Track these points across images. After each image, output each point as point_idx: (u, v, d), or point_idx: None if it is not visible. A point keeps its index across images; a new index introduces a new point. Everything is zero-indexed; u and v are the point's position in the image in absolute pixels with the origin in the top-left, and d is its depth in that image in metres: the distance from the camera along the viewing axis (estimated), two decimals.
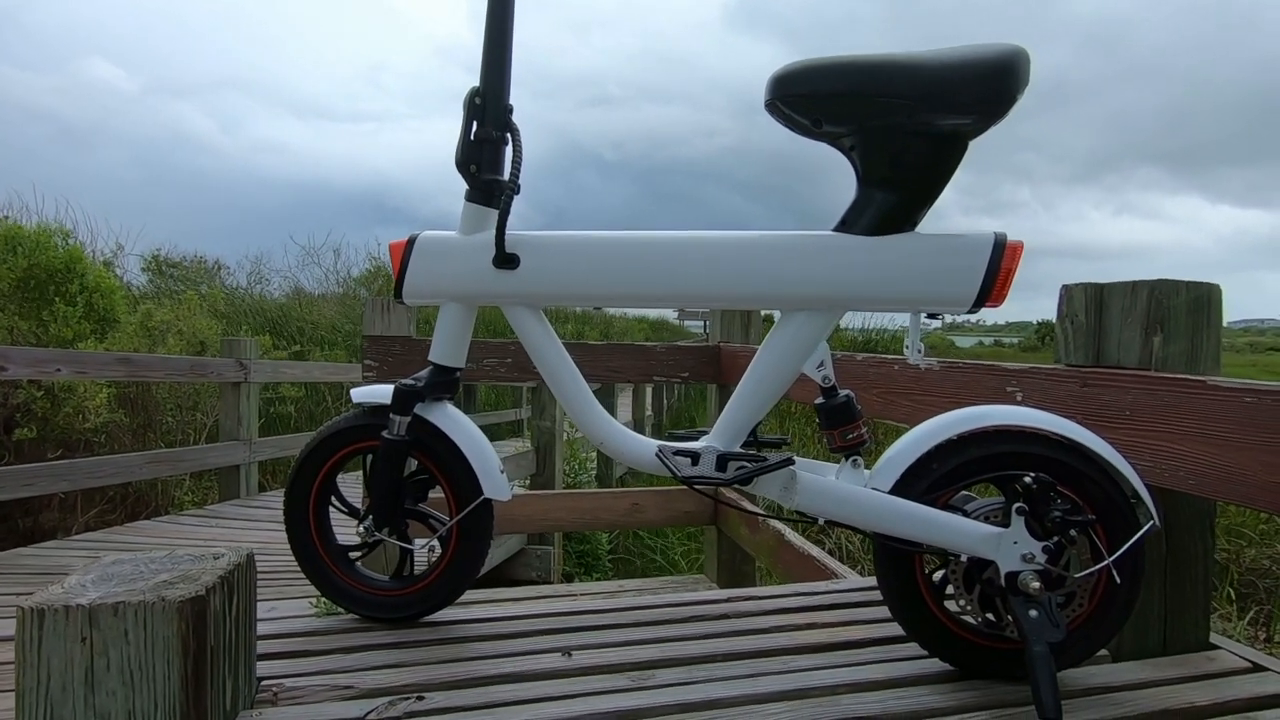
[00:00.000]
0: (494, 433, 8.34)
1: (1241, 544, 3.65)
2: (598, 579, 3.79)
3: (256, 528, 3.46)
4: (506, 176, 0.91)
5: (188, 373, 3.85)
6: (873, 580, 1.20)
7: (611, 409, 6.53)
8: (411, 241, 0.94)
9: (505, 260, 0.90)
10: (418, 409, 0.94)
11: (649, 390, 9.08)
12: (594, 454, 5.29)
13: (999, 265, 0.81)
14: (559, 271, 0.90)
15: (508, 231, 0.90)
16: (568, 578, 3.63)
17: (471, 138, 0.90)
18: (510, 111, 0.92)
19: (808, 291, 0.85)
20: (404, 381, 0.93)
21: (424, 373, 0.95)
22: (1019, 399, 1.11)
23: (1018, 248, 0.81)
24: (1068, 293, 1.04)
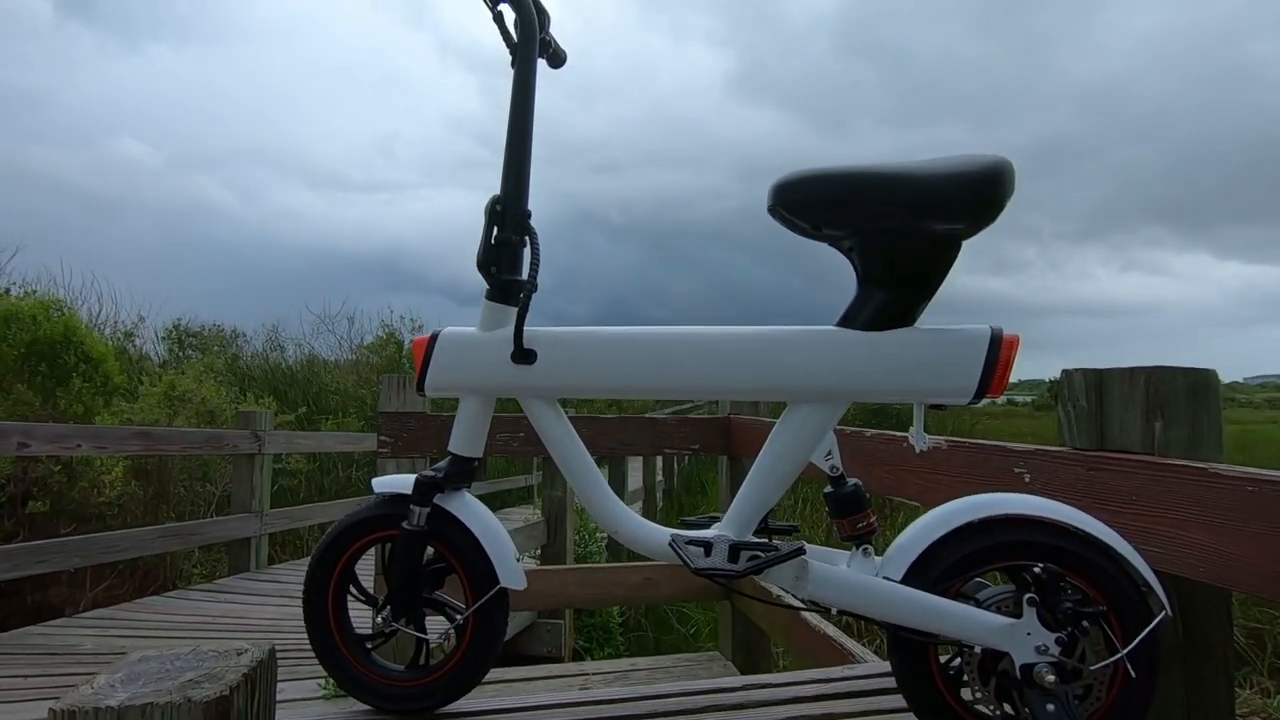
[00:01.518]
0: (504, 499, 8.29)
1: (1276, 614, 3.53)
2: (610, 654, 3.70)
3: (266, 603, 3.43)
4: (525, 276, 0.97)
5: (204, 445, 3.90)
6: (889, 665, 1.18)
7: (623, 475, 6.49)
8: (434, 337, 0.98)
9: (523, 356, 0.94)
10: (437, 499, 0.96)
11: (659, 457, 9.03)
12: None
13: (997, 358, 0.84)
14: (573, 366, 0.94)
15: (525, 328, 0.94)
16: (579, 653, 3.54)
17: (492, 241, 0.96)
18: (528, 216, 0.98)
19: (813, 384, 0.89)
20: (425, 473, 0.96)
21: (443, 463, 0.98)
22: (1026, 480, 1.12)
23: (1014, 341, 0.85)
24: (1067, 377, 1.07)
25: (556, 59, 1.09)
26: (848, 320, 0.89)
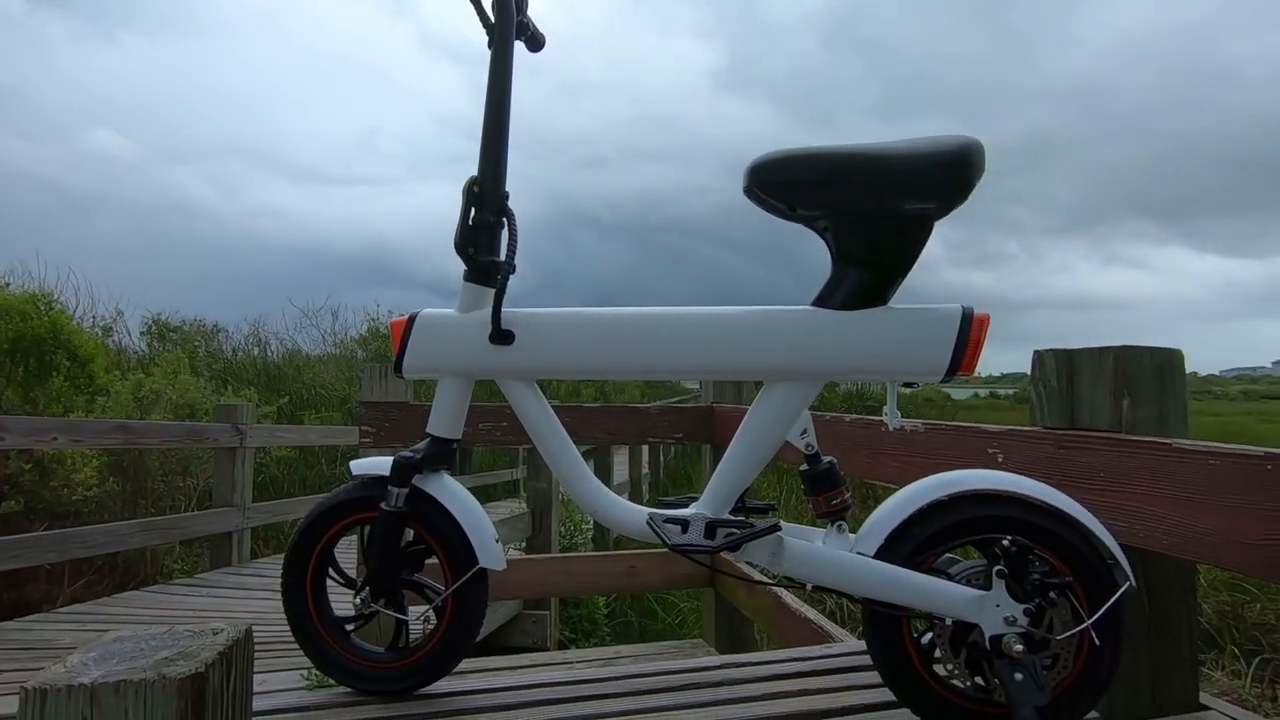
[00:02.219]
0: (490, 493, 8.27)
1: (1244, 599, 3.61)
2: (595, 644, 3.71)
3: (249, 597, 3.40)
4: (503, 258, 0.97)
5: (184, 439, 3.85)
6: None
7: (608, 468, 6.50)
8: (412, 319, 0.98)
9: (501, 337, 0.94)
10: (415, 480, 0.97)
11: (645, 449, 9.05)
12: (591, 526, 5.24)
13: (968, 336, 0.85)
14: (551, 346, 0.95)
15: (503, 309, 0.95)
16: (564, 643, 3.55)
17: (470, 223, 0.96)
18: (506, 198, 0.98)
19: (789, 363, 0.90)
20: (403, 454, 0.96)
21: (422, 445, 0.98)
22: (1000, 460, 1.14)
23: (984, 320, 0.86)
24: (1039, 358, 1.09)
25: (535, 42, 1.09)
26: (823, 300, 0.90)
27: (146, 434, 3.60)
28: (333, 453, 6.71)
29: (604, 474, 6.36)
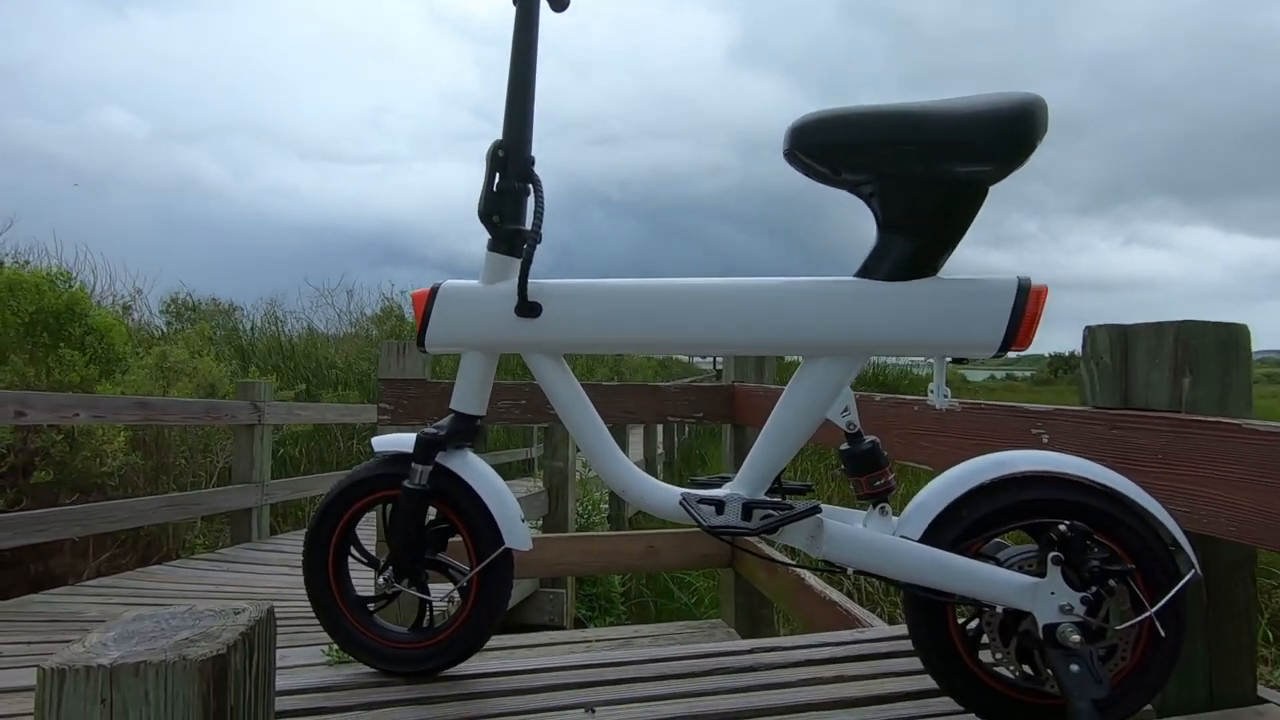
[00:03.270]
0: (505, 472, 8.30)
1: (1272, 584, 3.55)
2: (611, 623, 3.72)
3: (270, 572, 3.43)
4: (529, 226, 0.92)
5: (203, 416, 3.87)
6: (901, 628, 1.17)
7: (623, 446, 6.48)
8: (435, 290, 0.94)
9: (528, 309, 0.90)
10: (439, 457, 0.93)
11: (660, 428, 9.03)
12: (607, 494, 5.24)
13: (1024, 309, 0.80)
14: (580, 319, 0.91)
15: (530, 280, 0.90)
16: (581, 622, 3.56)
17: (494, 189, 0.92)
18: (532, 163, 0.93)
19: (830, 338, 0.85)
20: (426, 430, 0.92)
21: (445, 420, 0.95)
22: (1045, 441, 1.09)
23: (1042, 291, 0.81)
24: (1091, 334, 1.03)
25: (559, 0, 1.03)
26: (867, 270, 0.85)
27: (166, 411, 3.62)
28: (350, 430, 6.75)
29: None
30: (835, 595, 1.83)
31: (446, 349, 0.96)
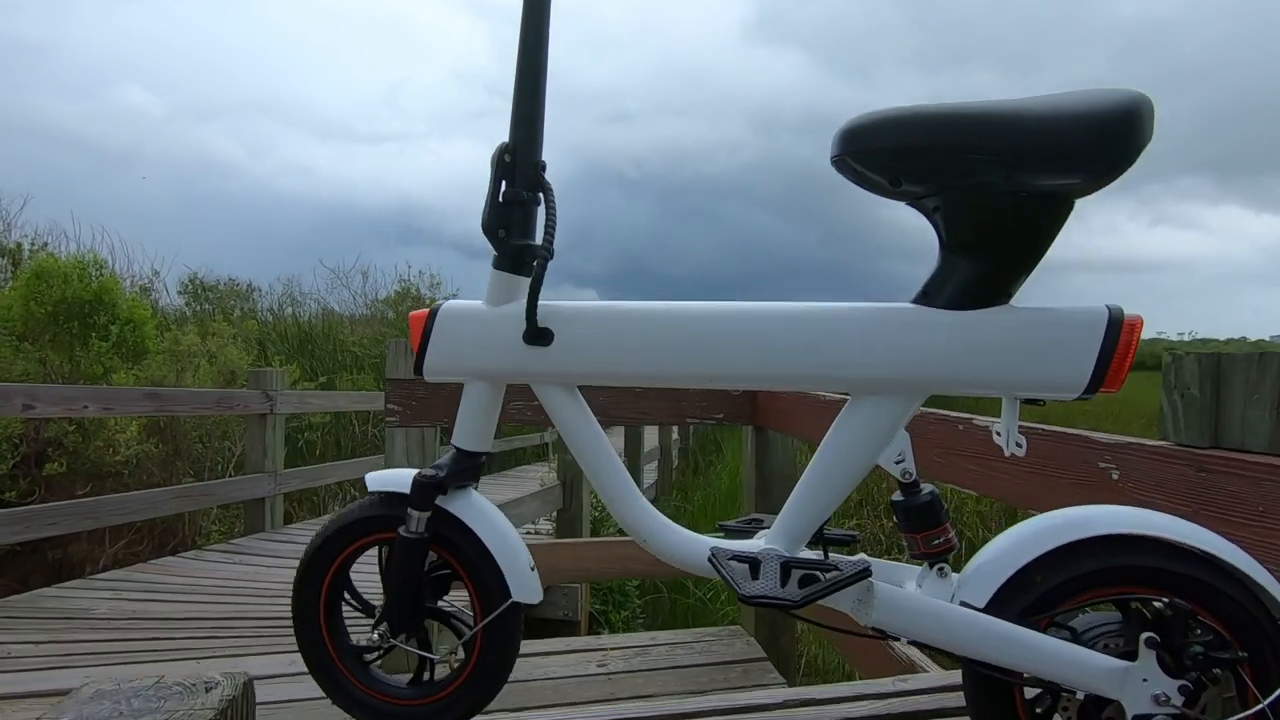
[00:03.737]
0: (518, 457, 8.26)
1: None
2: (626, 617, 3.65)
3: (281, 564, 3.40)
4: (539, 241, 0.82)
5: (214, 406, 3.83)
6: (952, 676, 1.06)
7: (639, 436, 6.41)
8: (434, 313, 0.84)
9: (537, 335, 0.80)
10: (439, 500, 0.84)
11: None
12: None
13: (1115, 344, 0.68)
14: (597, 348, 0.80)
15: (540, 301, 0.80)
16: (595, 618, 3.50)
17: (500, 199, 0.81)
18: (543, 169, 0.82)
19: (882, 373, 0.74)
20: (424, 472, 0.83)
21: (445, 458, 0.85)
22: (1115, 477, 0.97)
23: (1137, 324, 0.69)
24: (1177, 361, 0.91)
25: None
26: (928, 296, 0.73)
27: (178, 401, 3.58)
28: (366, 416, 6.73)
29: (634, 444, 6.28)
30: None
31: (447, 378, 0.86)
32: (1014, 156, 0.67)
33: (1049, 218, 0.70)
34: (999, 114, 0.67)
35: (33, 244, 7.81)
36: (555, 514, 3.77)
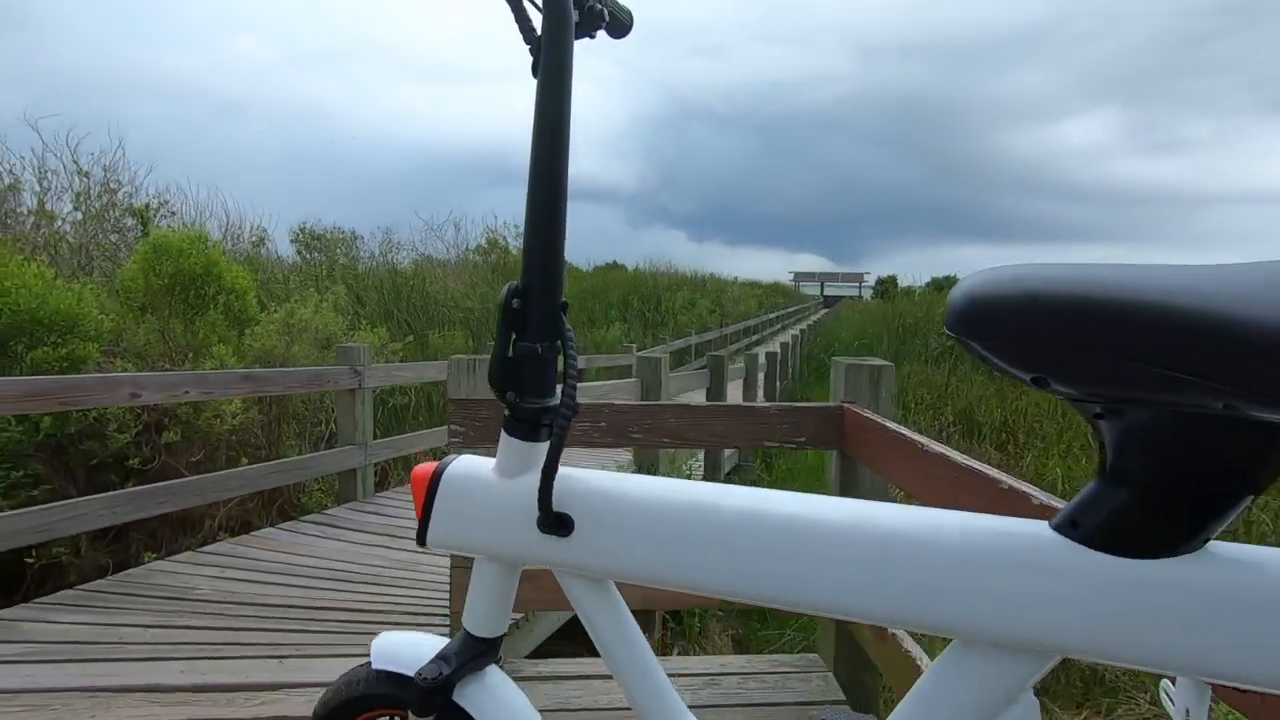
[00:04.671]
0: (606, 376, 8.23)
1: None
2: (695, 634, 3.56)
3: (374, 541, 3.54)
4: (558, 400, 0.66)
5: (305, 384, 3.97)
6: None
7: (720, 397, 6.24)
8: (438, 475, 0.71)
9: (554, 524, 0.65)
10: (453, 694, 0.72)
11: (761, 375, 8.68)
12: (699, 462, 5.05)
13: None
14: (626, 544, 0.65)
15: (560, 470, 0.65)
16: (665, 630, 3.44)
17: (509, 353, 0.66)
18: (564, 310, 0.66)
19: (1004, 630, 0.54)
20: (424, 671, 0.71)
21: (454, 644, 0.73)
22: None
23: None
24: None
25: (619, 24, 0.72)
26: (1076, 526, 0.53)
27: (272, 381, 3.72)
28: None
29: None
30: None
31: (454, 551, 0.73)
32: (1232, 377, 0.44)
33: (1266, 449, 0.47)
34: (1201, 307, 0.44)
35: (157, 201, 8.40)
36: None
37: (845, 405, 2.15)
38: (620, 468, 3.87)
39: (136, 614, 2.59)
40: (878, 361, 2.20)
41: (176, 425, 4.18)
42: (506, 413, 0.67)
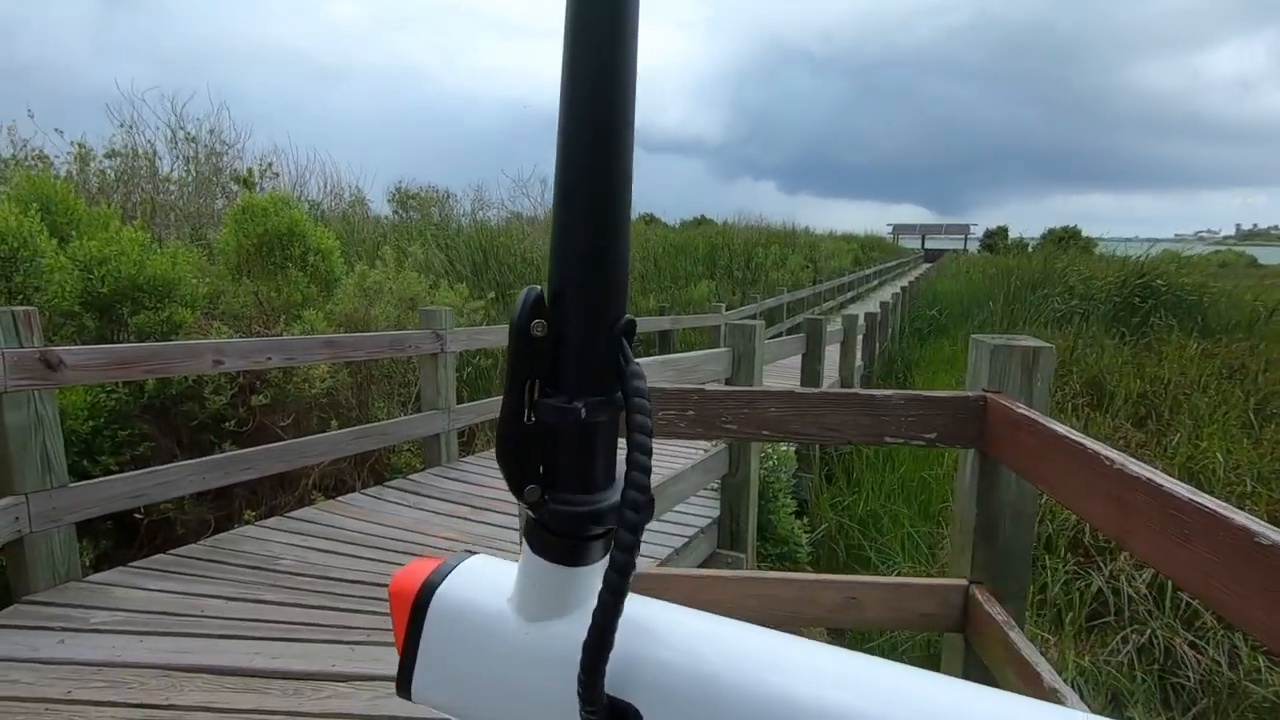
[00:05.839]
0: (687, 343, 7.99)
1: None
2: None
3: (453, 511, 3.47)
4: (618, 497, 0.37)
5: (388, 348, 3.90)
6: None
7: (818, 362, 5.82)
8: (424, 596, 0.44)
9: (611, 715, 0.37)
10: None
11: (859, 338, 8.10)
12: (792, 450, 4.69)
13: None
14: None
15: (631, 604, 0.36)
16: None
17: (527, 416, 0.37)
18: (630, 333, 0.36)
19: None
20: None
21: None
22: None
23: None
24: None
25: None
26: None
27: (354, 347, 3.66)
28: None
29: (813, 376, 5.72)
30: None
31: (445, 713, 0.47)
32: None
33: None
34: None
35: (261, 164, 8.68)
36: (720, 481, 3.44)
37: (988, 395, 1.76)
38: (708, 452, 3.59)
39: (220, 584, 2.59)
40: (1032, 342, 1.78)
41: (267, 389, 4.25)
42: (530, 515, 0.40)
